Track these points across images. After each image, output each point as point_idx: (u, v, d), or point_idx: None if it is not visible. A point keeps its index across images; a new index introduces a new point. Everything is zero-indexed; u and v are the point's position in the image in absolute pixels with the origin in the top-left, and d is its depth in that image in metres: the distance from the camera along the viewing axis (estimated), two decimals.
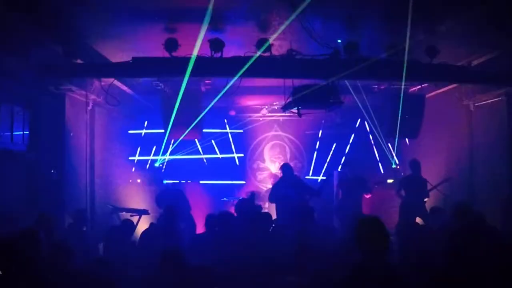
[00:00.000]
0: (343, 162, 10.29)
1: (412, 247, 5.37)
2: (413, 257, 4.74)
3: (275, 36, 6.03)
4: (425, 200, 7.99)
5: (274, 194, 7.74)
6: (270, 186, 10.39)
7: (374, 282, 3.01)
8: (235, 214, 6.57)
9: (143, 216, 7.58)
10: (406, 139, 9.16)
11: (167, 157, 10.15)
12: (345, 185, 8.46)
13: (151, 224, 6.48)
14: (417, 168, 8.05)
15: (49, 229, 5.09)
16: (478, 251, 3.75)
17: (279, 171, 8.50)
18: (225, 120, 11.01)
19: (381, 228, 3.17)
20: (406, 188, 8.03)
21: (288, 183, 7.70)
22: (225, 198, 9.97)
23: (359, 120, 10.68)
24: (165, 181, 9.19)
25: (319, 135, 11.08)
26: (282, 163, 9.09)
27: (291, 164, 8.85)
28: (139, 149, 10.53)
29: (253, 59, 5.93)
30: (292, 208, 6.71)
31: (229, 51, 6.01)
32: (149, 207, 8.00)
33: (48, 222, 5.28)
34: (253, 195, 8.03)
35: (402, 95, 7.99)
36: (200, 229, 6.88)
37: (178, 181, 9.69)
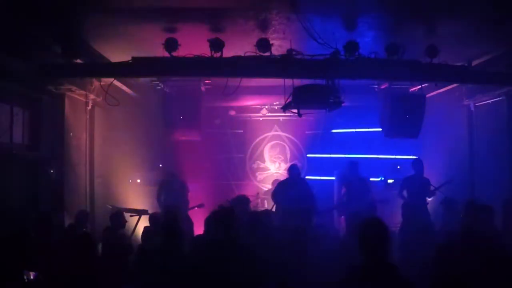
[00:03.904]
0: (345, 163, 10.26)
1: (416, 247, 5.39)
2: (416, 258, 4.75)
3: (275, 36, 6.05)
4: (429, 200, 7.95)
5: (276, 195, 7.70)
6: (269, 186, 10.41)
7: (376, 283, 3.01)
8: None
9: (142, 216, 7.57)
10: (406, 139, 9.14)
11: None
12: (348, 185, 8.44)
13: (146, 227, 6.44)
14: (420, 167, 8.02)
15: (46, 228, 5.08)
16: (477, 254, 3.76)
17: (285, 172, 8.46)
18: (226, 121, 11.00)
19: (383, 229, 3.18)
20: (408, 189, 8.00)
21: (291, 185, 7.66)
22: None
23: (359, 120, 10.65)
24: None
25: (319, 135, 11.05)
26: (290, 164, 9.06)
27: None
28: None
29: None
30: (290, 209, 6.70)
31: (229, 51, 6.01)
32: (149, 207, 7.99)
33: (47, 221, 5.26)
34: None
35: (402, 95, 8.00)
36: (198, 230, 6.87)
37: None
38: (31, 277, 3.48)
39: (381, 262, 3.09)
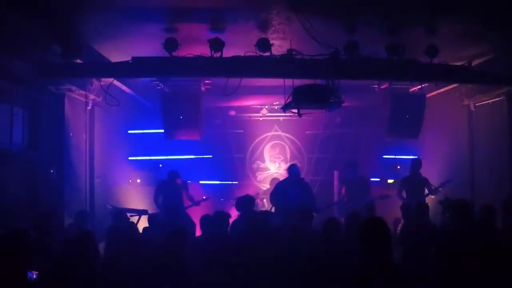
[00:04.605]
0: (345, 163, 10.25)
1: (416, 247, 5.38)
2: (416, 258, 4.74)
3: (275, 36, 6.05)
4: (432, 197, 7.95)
5: (275, 195, 7.69)
6: (269, 186, 10.40)
7: (376, 283, 3.00)
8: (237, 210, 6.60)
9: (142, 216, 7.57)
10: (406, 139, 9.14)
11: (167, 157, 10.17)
12: (348, 185, 8.43)
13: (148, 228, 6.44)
14: (418, 167, 8.01)
15: (47, 228, 5.08)
16: (476, 251, 3.75)
17: (285, 172, 8.46)
18: (226, 121, 10.99)
19: (385, 229, 3.17)
20: (407, 189, 8.00)
21: (291, 185, 7.65)
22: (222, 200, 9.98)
23: (359, 120, 10.65)
24: None
25: (319, 135, 11.05)
26: (289, 164, 9.07)
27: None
28: (138, 149, 10.51)
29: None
30: (290, 209, 6.69)
31: (229, 51, 6.01)
32: (148, 207, 7.99)
33: (47, 221, 5.26)
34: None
35: (402, 95, 8.00)
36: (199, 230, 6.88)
37: None
38: (34, 276, 3.48)
39: (382, 261, 3.08)
